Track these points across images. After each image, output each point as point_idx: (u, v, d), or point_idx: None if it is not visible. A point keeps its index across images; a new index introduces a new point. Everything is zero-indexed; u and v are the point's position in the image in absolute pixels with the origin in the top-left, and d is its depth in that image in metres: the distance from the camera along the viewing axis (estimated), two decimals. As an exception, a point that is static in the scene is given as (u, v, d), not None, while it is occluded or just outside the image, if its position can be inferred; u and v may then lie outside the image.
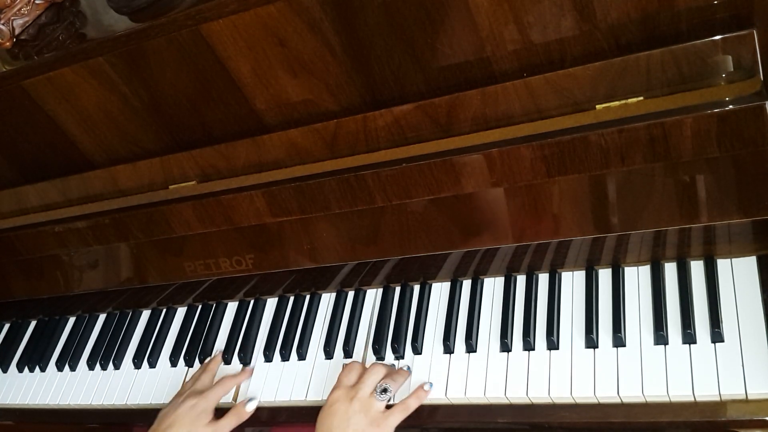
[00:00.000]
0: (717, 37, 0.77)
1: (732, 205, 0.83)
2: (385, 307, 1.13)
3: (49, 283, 1.33)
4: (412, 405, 0.99)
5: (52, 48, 1.05)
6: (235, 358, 1.20)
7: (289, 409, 1.11)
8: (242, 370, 1.18)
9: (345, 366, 1.05)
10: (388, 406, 0.99)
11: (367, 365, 1.05)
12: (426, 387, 1.00)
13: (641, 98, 0.82)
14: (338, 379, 1.02)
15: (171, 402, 1.12)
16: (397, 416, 0.98)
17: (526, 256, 1.04)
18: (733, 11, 0.77)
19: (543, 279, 1.04)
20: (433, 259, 1.10)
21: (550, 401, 0.94)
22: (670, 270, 0.97)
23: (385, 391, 0.98)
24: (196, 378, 1.16)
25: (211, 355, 1.23)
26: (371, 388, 0.99)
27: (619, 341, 0.94)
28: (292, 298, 1.23)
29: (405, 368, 1.04)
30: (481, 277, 1.09)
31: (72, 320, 1.43)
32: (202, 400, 1.09)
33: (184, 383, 1.19)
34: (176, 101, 1.04)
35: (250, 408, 1.10)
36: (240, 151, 1.04)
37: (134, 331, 1.35)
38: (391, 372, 1.03)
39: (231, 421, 1.08)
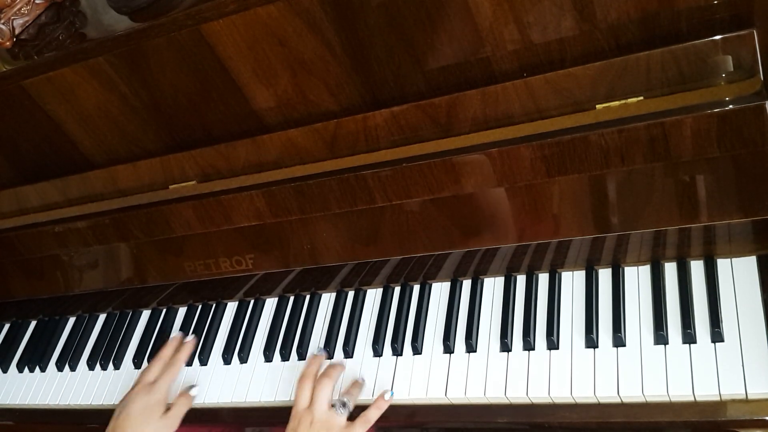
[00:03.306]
0: (717, 37, 0.77)
1: (732, 205, 0.83)
2: (385, 307, 1.13)
3: (49, 283, 1.33)
4: (373, 416, 1.00)
5: (52, 48, 1.05)
6: (235, 357, 1.20)
7: (290, 409, 1.10)
8: (183, 345, 1.19)
9: (297, 384, 1.04)
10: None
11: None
12: (386, 396, 1.01)
13: (641, 98, 0.82)
14: (294, 403, 1.02)
15: (124, 398, 1.12)
16: (359, 430, 0.98)
17: (526, 256, 1.04)
18: (733, 11, 0.77)
19: (543, 279, 1.04)
20: (433, 259, 1.10)
21: (550, 401, 0.94)
22: (670, 270, 0.97)
23: (344, 405, 0.99)
24: (147, 369, 1.15)
25: (211, 355, 1.23)
26: (326, 404, 0.99)
27: (619, 341, 0.94)
28: (292, 298, 1.23)
29: (360, 379, 1.06)
30: (481, 277, 1.09)
31: (72, 320, 1.43)
32: (153, 393, 1.09)
33: (140, 374, 1.16)
34: (176, 101, 1.04)
35: (194, 392, 1.13)
36: (240, 151, 1.04)
37: (134, 331, 1.35)
38: (352, 383, 1.05)
39: (181, 408, 1.10)
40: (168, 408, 1.10)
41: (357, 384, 1.05)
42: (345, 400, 1.00)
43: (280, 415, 1.11)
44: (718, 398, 0.85)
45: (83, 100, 1.07)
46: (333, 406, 1.00)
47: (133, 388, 1.13)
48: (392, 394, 1.02)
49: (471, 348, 1.02)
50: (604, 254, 1.00)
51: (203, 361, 1.22)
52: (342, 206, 1.01)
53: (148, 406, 1.08)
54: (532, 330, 0.99)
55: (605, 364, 0.93)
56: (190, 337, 1.21)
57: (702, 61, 0.78)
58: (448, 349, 1.04)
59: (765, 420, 0.83)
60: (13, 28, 1.09)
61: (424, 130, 0.93)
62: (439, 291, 1.11)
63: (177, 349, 1.19)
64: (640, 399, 0.89)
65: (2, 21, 1.08)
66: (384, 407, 1.01)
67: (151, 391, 1.10)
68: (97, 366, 1.32)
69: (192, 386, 1.15)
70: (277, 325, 1.21)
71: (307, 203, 1.03)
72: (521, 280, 1.06)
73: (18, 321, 1.51)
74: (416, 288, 1.13)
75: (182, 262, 1.17)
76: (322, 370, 1.06)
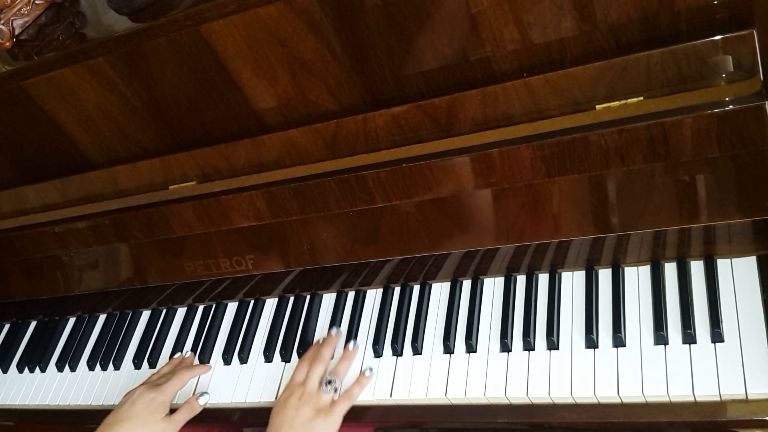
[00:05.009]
0: (717, 37, 0.77)
1: (732, 205, 0.83)
2: (385, 308, 1.13)
3: (49, 283, 1.33)
4: (356, 393, 1.04)
5: (52, 48, 1.06)
6: (235, 358, 1.20)
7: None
8: (200, 363, 1.22)
9: (299, 362, 1.09)
10: None
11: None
12: (367, 373, 1.06)
13: (641, 98, 0.82)
14: (292, 377, 1.06)
15: (129, 392, 1.13)
16: (343, 405, 1.02)
17: (526, 256, 1.04)
18: (733, 11, 0.77)
19: (543, 279, 1.04)
20: (433, 259, 1.10)
21: (550, 401, 0.94)
22: (670, 270, 0.97)
23: (329, 383, 1.03)
24: (159, 372, 1.19)
25: (211, 355, 1.23)
26: (317, 382, 1.03)
27: (619, 341, 0.94)
28: (292, 299, 1.23)
29: (368, 371, 1.07)
30: (481, 277, 1.09)
31: (72, 321, 1.43)
32: (159, 393, 1.10)
33: (150, 376, 1.20)
34: (176, 101, 1.04)
35: (203, 401, 1.14)
36: (240, 151, 1.04)
37: (134, 331, 1.35)
38: (338, 360, 1.07)
39: (184, 414, 1.11)
40: (172, 412, 1.11)
41: (345, 358, 1.07)
42: (331, 378, 1.03)
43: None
44: (718, 398, 0.85)
45: (83, 101, 1.07)
46: (320, 384, 1.03)
47: (141, 385, 1.15)
48: (372, 371, 1.06)
49: (471, 348, 1.02)
50: (604, 254, 1.00)
51: (203, 362, 1.22)
52: (342, 206, 1.01)
53: (152, 405, 1.09)
54: (532, 330, 0.99)
55: (605, 365, 0.93)
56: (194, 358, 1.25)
57: (702, 61, 0.78)
58: (448, 349, 1.04)
59: (765, 420, 0.83)
60: (13, 29, 1.09)
61: (424, 130, 0.93)
62: (439, 291, 1.11)
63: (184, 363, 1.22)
64: (640, 399, 0.89)
65: (2, 21, 1.08)
66: (366, 384, 1.05)
67: (157, 390, 1.11)
68: (97, 366, 1.32)
69: (203, 393, 1.15)
70: (277, 326, 1.21)
71: (307, 203, 1.03)
72: (521, 280, 1.06)
73: (18, 321, 1.51)
74: (416, 288, 1.13)
75: (182, 262, 1.17)
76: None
